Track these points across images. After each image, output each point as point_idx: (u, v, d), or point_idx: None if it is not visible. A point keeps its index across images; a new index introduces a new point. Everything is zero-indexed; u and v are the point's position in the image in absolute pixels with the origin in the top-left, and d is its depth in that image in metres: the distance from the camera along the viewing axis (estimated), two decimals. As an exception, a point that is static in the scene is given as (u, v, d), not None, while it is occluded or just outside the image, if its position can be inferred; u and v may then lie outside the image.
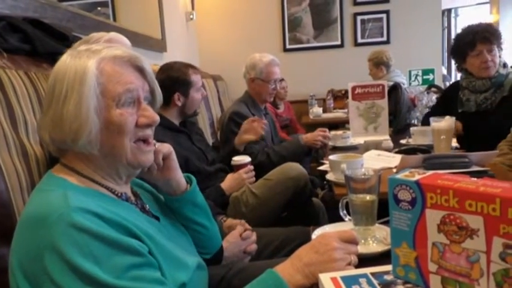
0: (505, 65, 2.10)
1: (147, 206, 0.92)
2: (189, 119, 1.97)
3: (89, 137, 0.76)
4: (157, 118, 0.84)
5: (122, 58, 0.81)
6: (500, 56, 2.09)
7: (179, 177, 0.98)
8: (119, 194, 0.83)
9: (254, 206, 1.80)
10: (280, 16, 4.95)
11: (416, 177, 0.63)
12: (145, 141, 0.83)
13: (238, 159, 1.93)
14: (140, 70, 0.84)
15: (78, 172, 0.80)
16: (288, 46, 4.97)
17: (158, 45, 3.19)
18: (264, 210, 1.81)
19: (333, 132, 2.33)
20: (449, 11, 11.35)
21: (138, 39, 2.71)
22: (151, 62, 2.68)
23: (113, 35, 1.28)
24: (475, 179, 0.60)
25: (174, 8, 3.87)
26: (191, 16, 4.33)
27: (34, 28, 1.30)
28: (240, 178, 1.88)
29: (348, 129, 2.56)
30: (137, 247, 0.71)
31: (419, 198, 0.61)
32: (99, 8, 2.42)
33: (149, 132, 0.84)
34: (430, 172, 0.65)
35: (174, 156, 0.95)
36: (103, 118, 0.77)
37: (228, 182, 1.88)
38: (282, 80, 4.36)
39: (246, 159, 1.94)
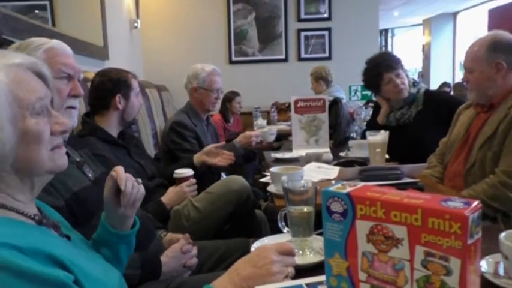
0: (414, 84, 2.31)
1: (58, 222, 0.85)
2: (128, 132, 1.92)
3: (3, 151, 0.70)
4: (70, 124, 0.82)
5: (26, 65, 0.77)
6: (407, 76, 2.32)
7: (133, 216, 1.00)
8: (32, 216, 0.77)
9: (196, 220, 1.78)
10: (227, 28, 5.00)
11: (348, 189, 0.65)
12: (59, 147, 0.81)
13: (181, 172, 1.90)
14: (42, 77, 0.80)
15: None
16: (233, 58, 5.02)
17: (100, 52, 3.09)
18: (205, 223, 1.79)
19: (259, 130, 2.41)
20: (386, 30, 12.07)
21: (78, 46, 2.60)
22: (93, 70, 2.58)
23: (55, 43, 1.21)
24: (401, 191, 0.63)
25: (118, 15, 3.78)
26: (136, 24, 4.25)
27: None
28: (182, 191, 1.85)
29: (291, 141, 2.63)
30: (63, 279, 0.65)
31: (350, 209, 0.64)
32: (36, 11, 2.31)
33: (61, 140, 0.81)
34: (361, 184, 0.68)
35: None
36: (19, 129, 0.72)
37: (169, 195, 1.85)
38: (237, 95, 4.41)
39: (189, 172, 1.91)
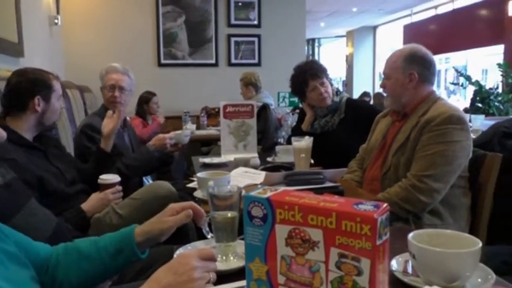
0: (337, 93, 2.45)
1: None
2: (46, 134, 1.79)
3: None
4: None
5: None
6: (332, 85, 2.44)
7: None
8: None
9: (119, 228, 1.69)
10: (155, 30, 4.89)
11: (268, 194, 0.67)
12: None
13: (106, 177, 1.80)
14: None
15: None
16: (162, 61, 4.92)
17: (13, 49, 2.86)
18: (129, 231, 1.72)
19: (173, 132, 2.38)
20: (313, 40, 12.60)
21: (-13, 41, 2.39)
22: (5, 67, 2.38)
23: None
24: (318, 195, 0.66)
25: (35, 10, 3.53)
26: (56, 21, 3.99)
27: None
28: (106, 198, 1.76)
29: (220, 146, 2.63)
30: None
31: (270, 214, 0.65)
32: None
33: None
34: (281, 189, 0.69)
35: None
36: None
37: (91, 202, 1.75)
38: (154, 95, 4.29)
39: (115, 178, 1.82)
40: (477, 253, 0.79)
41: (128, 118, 2.90)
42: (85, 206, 1.73)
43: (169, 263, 0.79)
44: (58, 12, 4.05)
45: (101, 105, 2.44)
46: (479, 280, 0.82)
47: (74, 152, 2.36)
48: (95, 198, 1.76)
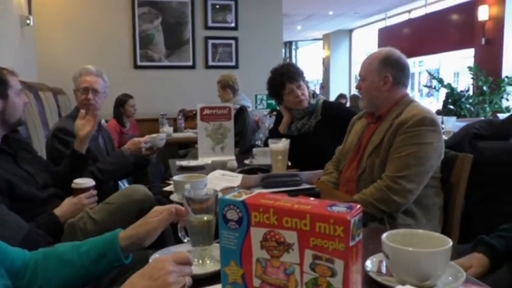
0: (314, 95, 2.47)
1: None
2: (14, 136, 1.74)
3: None
4: None
5: None
6: (308, 88, 2.47)
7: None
8: None
9: (93, 233, 1.65)
10: (131, 32, 4.83)
11: (243, 197, 0.67)
12: None
13: (80, 182, 1.76)
14: None
15: None
16: (139, 63, 4.86)
17: (-18, 50, 2.78)
18: (104, 236, 1.69)
19: (148, 136, 2.36)
20: (290, 43, 12.70)
21: (-47, 42, 2.31)
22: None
23: None
24: (293, 197, 0.66)
25: (5, 10, 3.43)
26: (28, 21, 3.90)
27: None
28: (80, 203, 1.72)
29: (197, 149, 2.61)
30: None
31: (245, 217, 0.65)
32: None
33: None
34: (256, 192, 0.70)
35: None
36: None
37: (64, 207, 1.70)
38: (131, 97, 4.23)
39: (90, 182, 1.78)
40: (448, 252, 0.81)
41: (103, 121, 2.85)
42: (58, 211, 1.69)
43: (145, 267, 0.78)
44: (30, 13, 3.95)
45: (74, 107, 2.39)
46: (450, 278, 0.84)
47: (46, 155, 2.30)
48: (68, 203, 1.72)
